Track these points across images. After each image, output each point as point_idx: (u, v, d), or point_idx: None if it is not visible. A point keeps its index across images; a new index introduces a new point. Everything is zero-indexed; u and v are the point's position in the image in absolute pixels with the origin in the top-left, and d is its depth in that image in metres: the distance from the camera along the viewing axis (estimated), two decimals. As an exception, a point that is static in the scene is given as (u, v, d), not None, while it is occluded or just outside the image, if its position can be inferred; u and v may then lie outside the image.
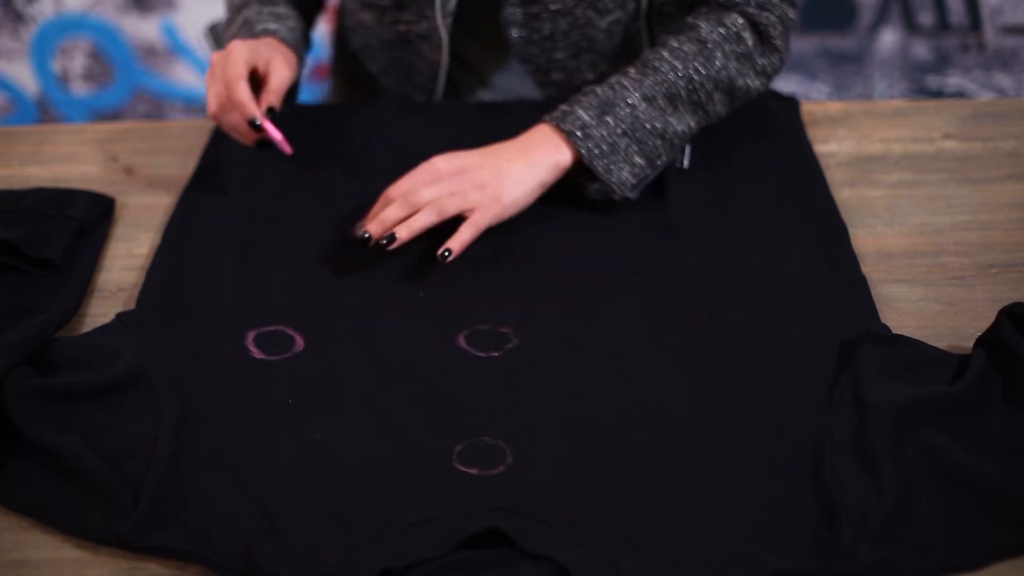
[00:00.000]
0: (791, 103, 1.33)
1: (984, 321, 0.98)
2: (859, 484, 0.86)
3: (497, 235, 1.13)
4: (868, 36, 2.43)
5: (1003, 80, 2.47)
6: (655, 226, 1.15)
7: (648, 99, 1.16)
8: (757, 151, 1.25)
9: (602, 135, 1.14)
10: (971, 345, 0.97)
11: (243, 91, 1.16)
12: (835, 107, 1.35)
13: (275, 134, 1.18)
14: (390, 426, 0.93)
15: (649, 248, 1.12)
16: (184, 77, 2.46)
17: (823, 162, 1.26)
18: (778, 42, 1.22)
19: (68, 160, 1.29)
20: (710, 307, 1.04)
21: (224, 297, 1.07)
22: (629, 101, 1.16)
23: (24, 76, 2.44)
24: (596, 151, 1.14)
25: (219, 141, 1.28)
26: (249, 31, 1.25)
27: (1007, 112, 1.35)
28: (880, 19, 2.41)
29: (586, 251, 1.13)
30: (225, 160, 1.26)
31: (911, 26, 2.42)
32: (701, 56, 1.18)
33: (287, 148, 1.20)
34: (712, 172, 1.21)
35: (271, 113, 1.18)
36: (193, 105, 2.48)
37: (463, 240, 1.09)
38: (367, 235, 1.09)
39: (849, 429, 0.90)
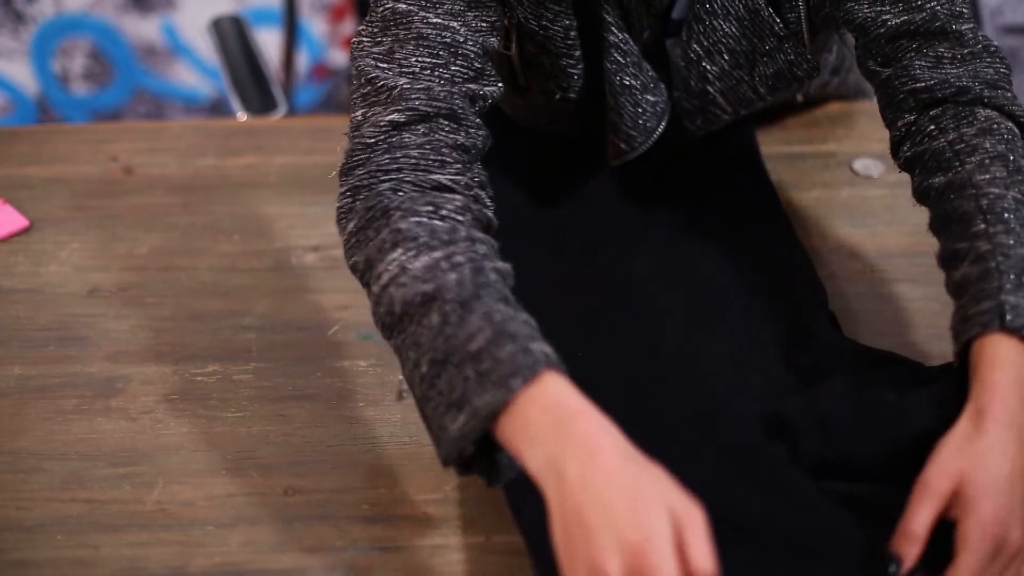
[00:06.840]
0: None
1: (984, 321, 0.97)
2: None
3: None
4: (868, 36, 2.43)
5: (1003, 80, 2.47)
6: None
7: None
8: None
9: None
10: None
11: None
12: (835, 107, 1.34)
13: None
14: None
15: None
16: (184, 77, 2.46)
17: (823, 162, 1.26)
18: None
19: (68, 160, 1.29)
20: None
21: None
22: None
23: (24, 76, 2.44)
24: None
25: None
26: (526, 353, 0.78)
27: (1007, 112, 1.35)
28: (880, 19, 2.41)
29: None
30: None
31: (911, 26, 2.42)
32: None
33: None
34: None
35: None
36: (193, 105, 2.48)
37: None
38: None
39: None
